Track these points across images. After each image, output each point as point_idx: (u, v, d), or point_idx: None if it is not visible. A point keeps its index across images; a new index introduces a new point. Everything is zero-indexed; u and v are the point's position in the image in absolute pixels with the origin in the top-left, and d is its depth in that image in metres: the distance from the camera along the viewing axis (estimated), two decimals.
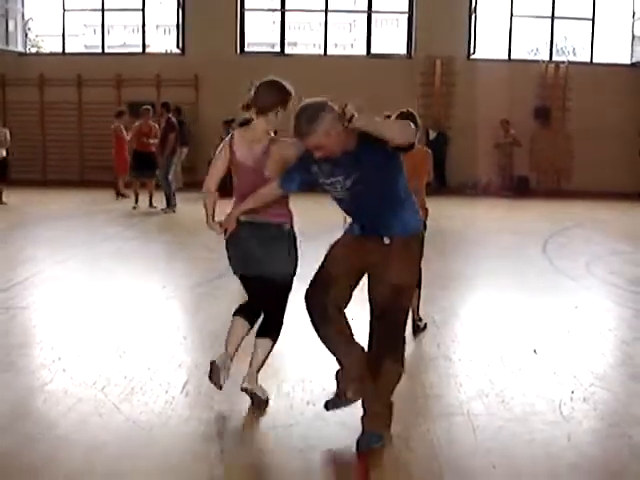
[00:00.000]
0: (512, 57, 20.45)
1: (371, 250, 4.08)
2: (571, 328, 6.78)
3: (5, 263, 9.46)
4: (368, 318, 4.18)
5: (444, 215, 13.46)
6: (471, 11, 19.92)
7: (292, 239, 4.59)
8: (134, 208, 14.86)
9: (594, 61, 20.32)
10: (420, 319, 6.52)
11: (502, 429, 4.40)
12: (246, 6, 20.40)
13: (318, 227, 8.94)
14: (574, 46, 22.15)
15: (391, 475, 3.87)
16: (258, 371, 4.63)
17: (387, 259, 4.02)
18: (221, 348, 4.76)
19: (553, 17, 20.27)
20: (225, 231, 4.46)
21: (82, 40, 21.89)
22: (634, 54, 20.52)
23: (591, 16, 20.17)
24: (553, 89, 19.94)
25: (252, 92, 4.49)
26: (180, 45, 20.41)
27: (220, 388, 4.63)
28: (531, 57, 21.47)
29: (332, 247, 4.32)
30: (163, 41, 21.79)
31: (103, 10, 20.68)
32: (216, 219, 4.58)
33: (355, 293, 4.27)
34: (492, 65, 19.65)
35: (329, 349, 4.30)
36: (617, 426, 4.50)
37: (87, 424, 4.38)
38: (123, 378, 5.16)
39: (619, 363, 5.88)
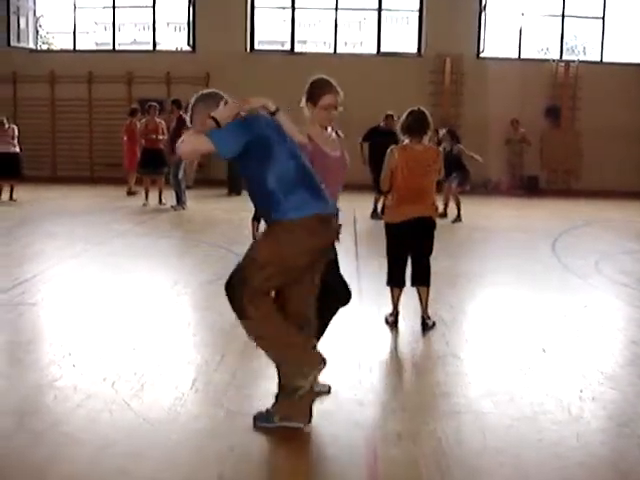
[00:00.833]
0: (522, 56, 20.40)
1: None
2: (580, 327, 6.78)
3: (15, 259, 9.49)
4: None
5: (453, 214, 13.47)
6: (481, 9, 19.88)
7: None
8: (144, 205, 14.90)
9: (604, 60, 20.25)
10: (429, 317, 6.53)
11: (511, 428, 4.40)
12: (256, 4, 20.41)
13: None
14: (584, 45, 22.11)
15: (399, 472, 3.88)
16: None
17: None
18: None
19: (563, 16, 20.21)
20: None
21: (93, 37, 21.93)
22: None
23: (602, 15, 20.10)
24: (563, 88, 19.88)
25: None
26: (191, 43, 20.44)
27: None
28: (541, 56, 21.43)
29: None
30: (174, 39, 21.79)
31: (114, 7, 20.73)
32: None
33: None
34: (502, 64, 19.62)
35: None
36: (626, 426, 4.49)
37: (97, 420, 4.39)
38: (133, 374, 5.18)
39: (628, 363, 5.86)
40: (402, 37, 21.30)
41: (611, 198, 18.02)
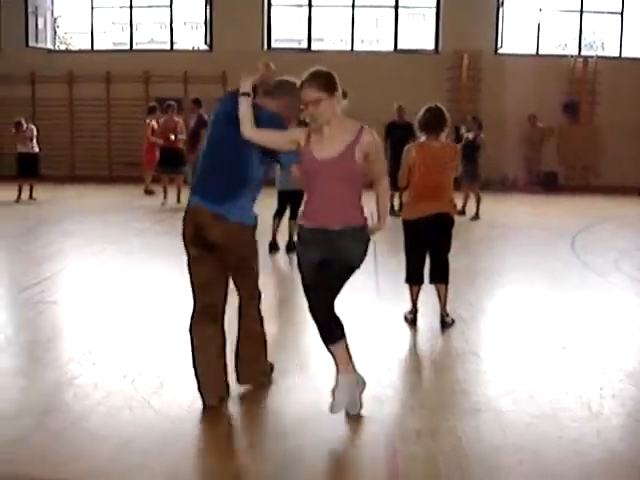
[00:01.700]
0: (540, 52, 20.29)
1: None
2: (600, 325, 6.74)
3: (34, 258, 9.55)
4: None
5: (471, 211, 13.43)
6: (499, 5, 19.81)
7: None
8: (162, 204, 14.93)
9: (623, 55, 20.12)
10: (447, 314, 6.52)
11: (530, 426, 4.39)
12: (273, 2, 20.43)
13: None
14: (603, 40, 21.95)
15: (418, 469, 3.87)
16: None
17: None
18: None
19: (582, 11, 20.08)
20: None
21: (110, 37, 22.00)
22: None
23: (620, 10, 19.97)
24: (582, 84, 19.77)
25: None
26: (208, 41, 20.49)
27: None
28: (559, 52, 21.29)
29: None
30: (191, 38, 21.82)
31: (131, 7, 20.81)
32: None
33: None
34: (520, 60, 19.52)
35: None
36: None
37: (117, 418, 4.42)
38: (152, 372, 5.20)
39: None
40: (419, 34, 21.22)
41: (630, 195, 17.91)
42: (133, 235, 11.39)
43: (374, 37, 23.25)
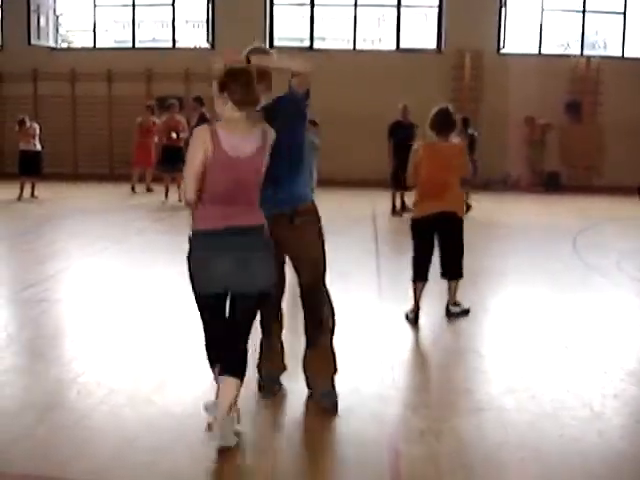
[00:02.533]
0: (543, 51, 20.27)
1: None
2: (602, 325, 6.74)
3: (37, 257, 9.55)
4: None
5: (474, 210, 13.42)
6: (501, 5, 19.78)
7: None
8: (163, 203, 14.93)
9: (626, 55, 20.10)
10: (454, 304, 6.72)
11: (532, 425, 4.40)
12: (275, 1, 20.41)
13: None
14: (605, 40, 21.89)
15: (422, 468, 3.87)
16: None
17: None
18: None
19: (584, 11, 20.07)
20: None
21: (112, 35, 21.95)
22: None
23: (622, 10, 19.95)
24: (584, 84, 19.75)
25: None
26: (210, 40, 20.49)
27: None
28: (562, 51, 21.27)
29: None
30: (193, 36, 21.80)
31: (133, 5, 20.81)
32: None
33: None
34: (522, 59, 19.50)
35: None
36: None
37: (120, 415, 4.43)
38: (155, 370, 5.21)
39: None
40: (421, 33, 21.17)
41: (633, 194, 17.87)
42: (134, 234, 11.39)
43: (376, 36, 23.16)
